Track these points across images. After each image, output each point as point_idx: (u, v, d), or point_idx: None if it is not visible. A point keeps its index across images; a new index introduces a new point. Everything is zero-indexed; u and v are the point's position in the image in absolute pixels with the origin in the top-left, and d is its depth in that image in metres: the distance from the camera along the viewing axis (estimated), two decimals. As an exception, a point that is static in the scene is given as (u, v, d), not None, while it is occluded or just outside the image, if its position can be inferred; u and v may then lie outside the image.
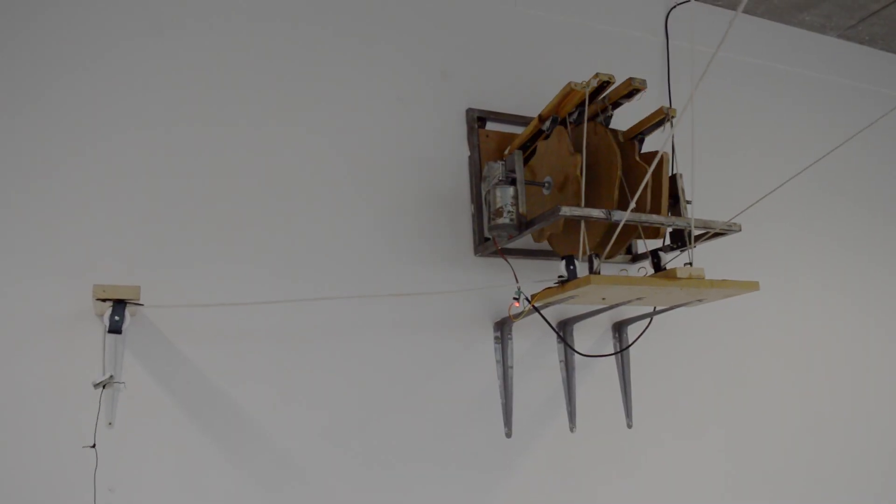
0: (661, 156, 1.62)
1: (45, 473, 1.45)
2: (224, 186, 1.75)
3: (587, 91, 1.69)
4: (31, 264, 1.53)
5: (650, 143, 1.92)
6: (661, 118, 1.81)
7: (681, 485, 2.10)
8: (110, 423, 1.46)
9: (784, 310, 2.44)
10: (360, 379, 1.77)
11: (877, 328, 2.63)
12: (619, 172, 1.70)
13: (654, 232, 1.81)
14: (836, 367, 2.49)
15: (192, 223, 1.69)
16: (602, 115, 1.83)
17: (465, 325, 1.92)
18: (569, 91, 1.71)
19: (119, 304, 1.43)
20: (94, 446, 1.41)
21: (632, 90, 1.77)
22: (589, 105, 1.76)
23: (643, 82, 1.76)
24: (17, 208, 1.55)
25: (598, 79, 1.69)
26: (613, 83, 1.72)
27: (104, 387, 1.42)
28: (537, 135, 1.88)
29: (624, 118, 1.89)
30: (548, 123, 1.81)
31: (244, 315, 1.68)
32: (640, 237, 1.83)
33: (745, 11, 2.69)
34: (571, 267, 1.62)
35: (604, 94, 1.80)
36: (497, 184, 1.72)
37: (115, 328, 1.42)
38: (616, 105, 1.83)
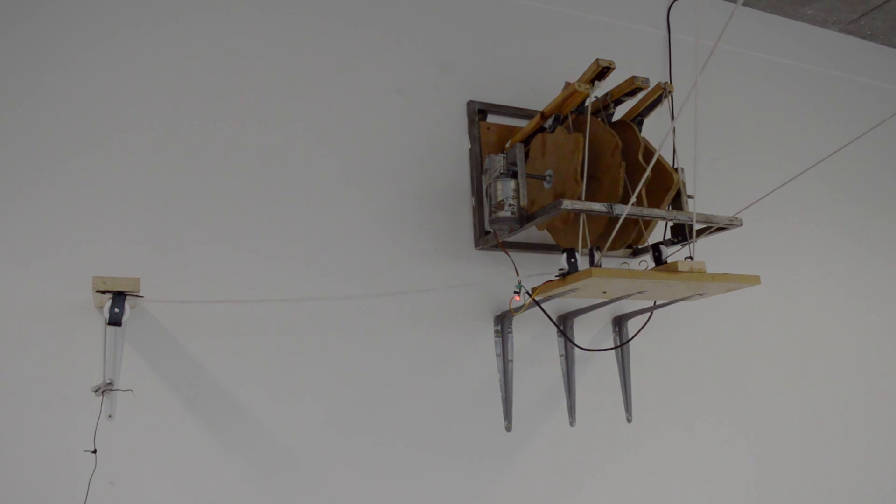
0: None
1: (45, 468, 1.44)
2: (223, 180, 1.74)
3: (590, 92, 1.68)
4: (31, 256, 1.52)
5: (650, 125, 1.90)
6: (658, 94, 1.80)
7: (680, 479, 2.11)
8: (110, 416, 1.46)
9: (785, 304, 2.44)
10: (359, 372, 1.77)
11: (878, 322, 2.63)
12: (622, 165, 1.69)
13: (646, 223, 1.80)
14: (837, 362, 2.49)
15: (191, 217, 1.68)
16: (604, 111, 1.82)
17: (465, 319, 1.91)
18: (571, 92, 1.70)
19: (119, 296, 1.42)
20: (94, 451, 1.41)
21: (634, 88, 1.76)
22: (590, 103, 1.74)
23: (646, 80, 1.75)
24: (16, 200, 1.54)
25: (597, 65, 1.67)
26: (613, 69, 1.70)
27: (103, 393, 1.42)
28: (539, 131, 1.87)
29: (624, 107, 1.89)
30: (550, 121, 1.80)
31: (244, 308, 1.68)
32: (641, 234, 1.83)
33: (747, 5, 2.68)
34: (572, 260, 1.61)
35: (605, 91, 1.79)
36: (498, 177, 1.72)
37: (114, 320, 1.42)
38: (618, 102, 1.83)
